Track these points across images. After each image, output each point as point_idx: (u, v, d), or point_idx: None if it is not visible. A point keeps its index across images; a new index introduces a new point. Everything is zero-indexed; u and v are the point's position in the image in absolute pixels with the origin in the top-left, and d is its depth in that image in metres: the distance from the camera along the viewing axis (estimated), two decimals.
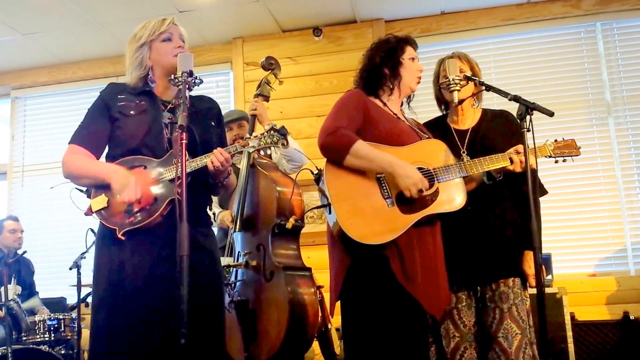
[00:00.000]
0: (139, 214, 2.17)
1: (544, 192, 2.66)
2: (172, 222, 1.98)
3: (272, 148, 3.42)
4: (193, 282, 1.89)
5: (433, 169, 2.36)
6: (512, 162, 2.44)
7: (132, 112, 2.28)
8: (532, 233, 2.21)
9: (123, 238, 2.15)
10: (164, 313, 2.08)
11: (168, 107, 2.31)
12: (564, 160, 2.51)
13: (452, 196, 2.35)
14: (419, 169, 2.34)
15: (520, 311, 2.53)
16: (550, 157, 2.52)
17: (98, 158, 2.33)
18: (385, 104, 2.50)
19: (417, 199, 2.28)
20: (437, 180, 2.35)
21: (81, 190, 2.32)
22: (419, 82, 2.57)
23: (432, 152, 2.42)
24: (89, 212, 2.24)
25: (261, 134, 2.23)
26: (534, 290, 2.31)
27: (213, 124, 2.42)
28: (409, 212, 2.27)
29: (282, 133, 2.23)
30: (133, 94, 2.33)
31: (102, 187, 2.23)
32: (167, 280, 2.07)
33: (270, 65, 3.54)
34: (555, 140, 2.53)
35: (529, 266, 2.60)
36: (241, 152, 2.34)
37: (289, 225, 3.11)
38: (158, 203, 2.18)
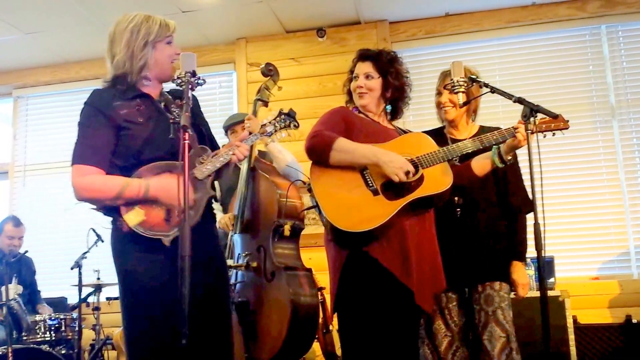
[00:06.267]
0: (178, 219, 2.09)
1: (530, 208, 2.52)
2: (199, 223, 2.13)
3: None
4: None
5: (416, 157, 2.39)
6: (513, 136, 2.39)
7: (140, 120, 2.17)
8: (536, 233, 2.20)
9: (168, 245, 2.07)
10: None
11: (163, 107, 2.28)
12: (553, 134, 2.39)
13: (438, 179, 2.37)
14: None
15: (506, 315, 2.58)
16: (537, 132, 2.38)
17: (107, 173, 2.16)
18: (366, 115, 2.59)
19: (402, 187, 2.31)
20: (422, 167, 2.38)
21: (95, 209, 2.18)
22: (360, 97, 2.59)
23: (414, 144, 2.47)
24: (126, 227, 2.10)
25: (274, 119, 2.44)
26: (537, 293, 2.30)
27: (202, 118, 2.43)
28: (395, 199, 2.31)
29: (292, 115, 2.51)
30: (126, 99, 2.20)
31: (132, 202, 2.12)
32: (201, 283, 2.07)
33: (270, 71, 3.65)
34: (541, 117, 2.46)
35: (518, 276, 2.65)
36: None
37: (286, 232, 3.15)
38: (198, 203, 2.16)
